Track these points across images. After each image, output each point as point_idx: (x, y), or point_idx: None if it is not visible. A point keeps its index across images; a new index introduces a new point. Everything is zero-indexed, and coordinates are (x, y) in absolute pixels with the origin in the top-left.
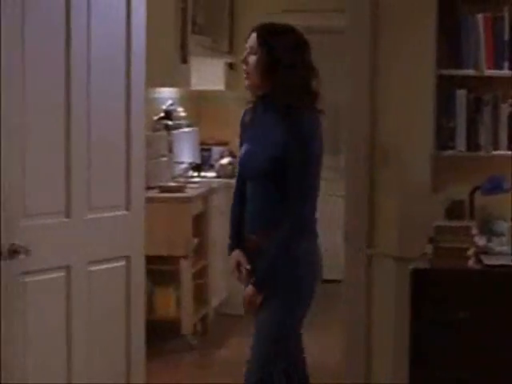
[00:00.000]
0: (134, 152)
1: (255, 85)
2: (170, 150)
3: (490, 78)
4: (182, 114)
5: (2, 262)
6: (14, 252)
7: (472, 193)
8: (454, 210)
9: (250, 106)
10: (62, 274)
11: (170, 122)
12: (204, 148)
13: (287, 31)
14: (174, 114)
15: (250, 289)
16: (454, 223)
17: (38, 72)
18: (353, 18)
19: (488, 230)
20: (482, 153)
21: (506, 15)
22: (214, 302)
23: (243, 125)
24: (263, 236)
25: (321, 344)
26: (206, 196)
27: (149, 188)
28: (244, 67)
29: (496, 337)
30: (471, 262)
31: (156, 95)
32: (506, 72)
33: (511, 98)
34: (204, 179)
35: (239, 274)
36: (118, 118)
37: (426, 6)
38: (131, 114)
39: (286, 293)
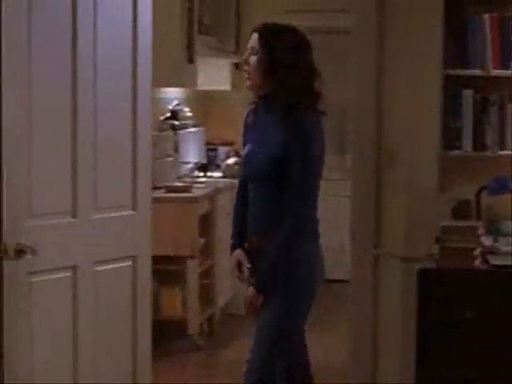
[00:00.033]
0: (141, 152)
1: (256, 85)
2: (176, 150)
3: (497, 78)
4: (188, 114)
5: (9, 262)
6: (20, 252)
7: (478, 193)
8: (461, 210)
9: (253, 106)
10: (69, 274)
11: (176, 122)
12: (210, 148)
13: (289, 31)
14: (181, 114)
15: (250, 290)
16: (461, 223)
17: (45, 72)
18: (359, 18)
19: (494, 230)
20: (488, 153)
21: None
22: (221, 302)
23: (246, 125)
24: (265, 237)
25: (327, 344)
26: (212, 196)
27: (155, 188)
28: (245, 67)
29: (502, 337)
30: (478, 262)
31: (162, 95)
32: None
33: None
34: (210, 179)
35: (240, 273)
36: (125, 118)
37: (433, 6)
38: (137, 114)
39: (286, 293)
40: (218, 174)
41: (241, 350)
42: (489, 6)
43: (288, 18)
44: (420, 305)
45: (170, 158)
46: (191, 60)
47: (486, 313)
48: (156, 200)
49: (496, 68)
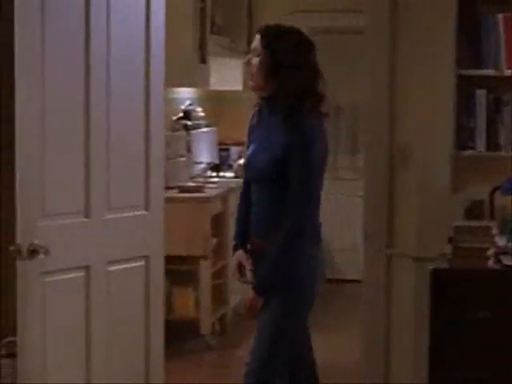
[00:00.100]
0: (154, 152)
1: (259, 86)
2: (189, 150)
3: (510, 77)
4: (201, 114)
5: (22, 262)
6: (33, 252)
7: (492, 193)
8: (474, 210)
9: (257, 108)
10: (82, 274)
11: (188, 122)
12: (222, 148)
13: (291, 33)
14: (193, 114)
15: (250, 293)
16: (474, 223)
17: (58, 72)
18: (372, 18)
19: (508, 231)
20: (501, 153)
21: None
22: (233, 301)
23: (251, 127)
24: (266, 238)
25: (340, 344)
26: (224, 196)
27: (168, 188)
28: (248, 69)
29: None
30: (491, 263)
31: (175, 95)
32: None
33: None
34: (222, 179)
35: (240, 276)
36: (138, 119)
37: (446, 6)
38: (150, 114)
39: (286, 294)
40: (230, 174)
41: None
42: (502, 5)
43: (301, 18)
44: (433, 305)
45: (183, 158)
46: (204, 60)
47: (499, 313)
48: (169, 200)
49: (509, 68)
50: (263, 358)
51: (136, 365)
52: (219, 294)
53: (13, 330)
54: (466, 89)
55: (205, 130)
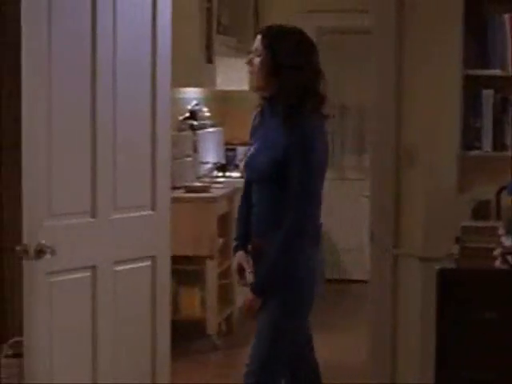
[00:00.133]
0: (160, 152)
1: (260, 87)
2: (195, 150)
3: None
4: (207, 114)
5: (28, 262)
6: (39, 252)
7: (498, 193)
8: (481, 210)
9: (259, 108)
10: (88, 274)
11: (195, 122)
12: (229, 148)
13: (293, 33)
14: (199, 114)
15: (249, 293)
16: (481, 223)
17: (64, 73)
18: (378, 19)
19: None
20: (508, 153)
21: None
22: (239, 301)
23: (253, 127)
24: (266, 239)
25: (346, 344)
26: (230, 196)
27: (174, 188)
28: (249, 69)
29: None
30: (498, 263)
31: (181, 95)
32: None
33: None
34: (229, 179)
35: (240, 278)
36: (144, 119)
37: (452, 6)
38: (157, 114)
39: (285, 294)
40: (236, 174)
41: None
42: (509, 5)
43: (307, 18)
44: (439, 305)
45: (189, 158)
46: (210, 60)
47: (506, 313)
48: (175, 200)
49: None
50: (263, 359)
51: (142, 365)
52: (225, 294)
53: (19, 330)
54: (472, 89)
55: (211, 130)
